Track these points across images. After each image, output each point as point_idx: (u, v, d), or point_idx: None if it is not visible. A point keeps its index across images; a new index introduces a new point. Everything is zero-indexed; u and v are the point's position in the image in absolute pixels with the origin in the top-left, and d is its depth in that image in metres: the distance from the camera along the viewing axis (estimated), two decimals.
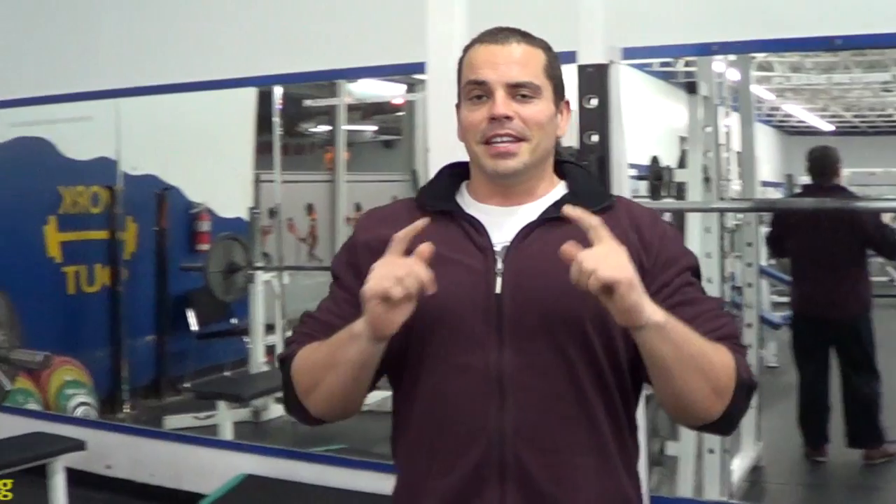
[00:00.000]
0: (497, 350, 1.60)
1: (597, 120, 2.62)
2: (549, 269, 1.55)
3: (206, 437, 5.02)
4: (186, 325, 6.35)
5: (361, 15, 4.30)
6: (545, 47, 1.71)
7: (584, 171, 1.84)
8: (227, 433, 5.01)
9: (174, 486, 4.74)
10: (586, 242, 1.50)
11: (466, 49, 1.73)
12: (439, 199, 1.73)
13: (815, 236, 5.10)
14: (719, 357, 1.54)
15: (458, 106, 1.74)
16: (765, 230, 5.80)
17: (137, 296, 6.00)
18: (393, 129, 8.23)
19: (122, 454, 5.00)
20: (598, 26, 2.63)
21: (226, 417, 5.06)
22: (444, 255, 1.59)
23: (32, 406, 5.49)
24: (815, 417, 5.26)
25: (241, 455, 4.66)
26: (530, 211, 1.70)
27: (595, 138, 2.62)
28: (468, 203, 1.73)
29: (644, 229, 1.67)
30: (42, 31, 5.20)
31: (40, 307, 5.43)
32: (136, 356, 5.92)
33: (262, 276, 6.22)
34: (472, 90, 1.66)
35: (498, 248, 1.65)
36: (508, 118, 1.62)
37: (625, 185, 2.74)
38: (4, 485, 3.64)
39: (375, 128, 8.46)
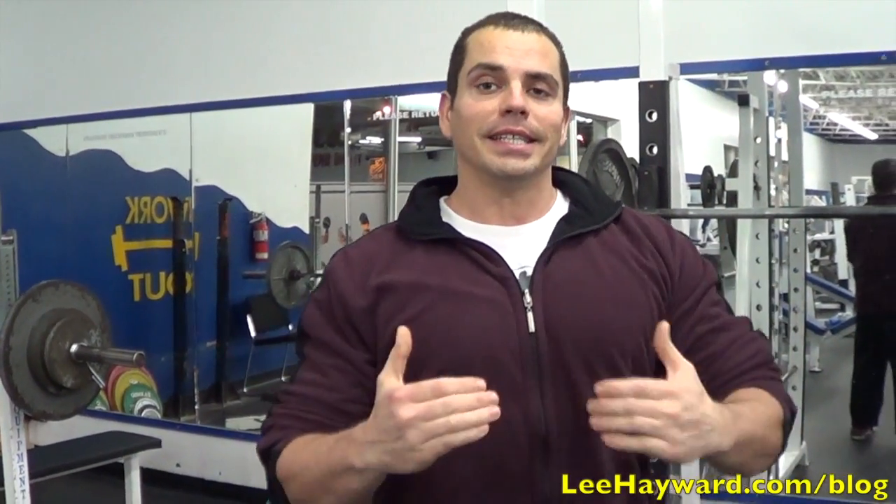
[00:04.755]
0: (538, 399, 1.37)
1: (657, 133, 2.75)
2: (580, 299, 1.40)
3: None
4: (246, 331, 6.41)
5: (414, 36, 4.48)
6: (559, 43, 1.48)
7: (581, 178, 1.61)
8: None
9: (242, 482, 4.89)
10: (607, 263, 1.42)
11: (469, 32, 1.48)
12: (428, 224, 1.47)
13: (875, 243, 5.51)
14: (770, 422, 1.39)
15: (445, 96, 1.51)
16: (811, 238, 6.00)
17: (199, 303, 6.09)
18: (437, 140, 8.31)
19: (191, 453, 5.18)
20: (659, 45, 2.75)
21: None
22: (457, 289, 1.40)
23: (99, 408, 5.63)
24: (866, 401, 5.59)
25: None
26: (537, 229, 1.47)
27: (655, 150, 2.75)
28: (461, 224, 1.47)
29: (660, 241, 1.49)
30: (119, 50, 5.40)
31: (108, 313, 5.56)
32: (197, 361, 6.01)
33: None
34: (482, 76, 1.41)
35: (517, 275, 1.42)
36: (524, 113, 1.38)
37: (683, 193, 2.87)
38: None
39: (420, 139, 8.57)
